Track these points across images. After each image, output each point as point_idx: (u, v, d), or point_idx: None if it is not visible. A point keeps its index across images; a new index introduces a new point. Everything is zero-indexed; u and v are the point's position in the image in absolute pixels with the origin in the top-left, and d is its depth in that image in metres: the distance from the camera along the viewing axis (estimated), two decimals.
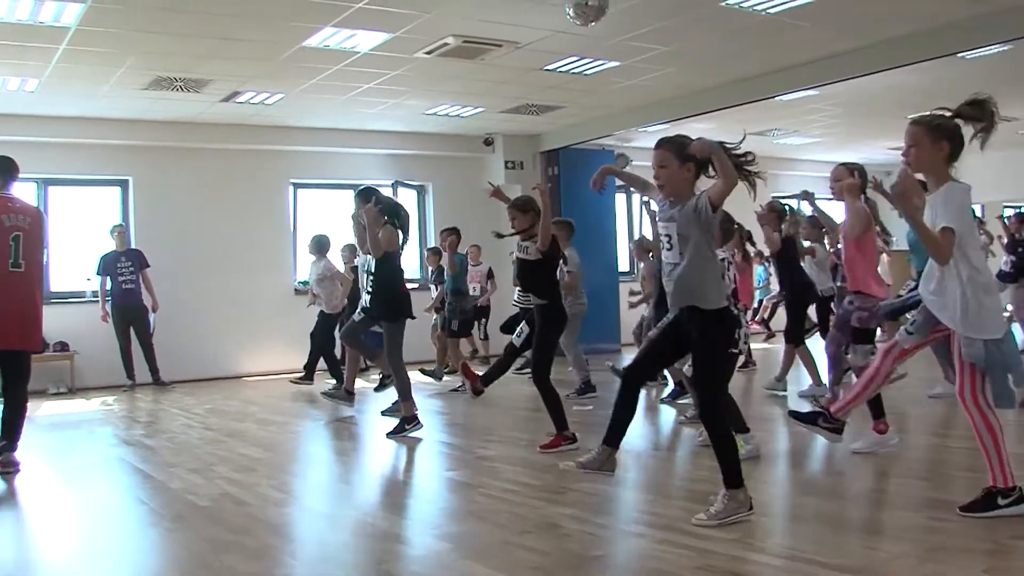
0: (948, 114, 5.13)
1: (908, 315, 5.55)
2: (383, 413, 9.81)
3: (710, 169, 4.99)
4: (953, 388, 5.31)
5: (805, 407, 7.64)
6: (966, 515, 4.93)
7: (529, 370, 8.59)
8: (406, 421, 8.64)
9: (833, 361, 7.88)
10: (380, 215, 8.63)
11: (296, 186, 16.32)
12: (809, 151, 20.44)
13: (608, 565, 4.47)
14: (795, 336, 10.33)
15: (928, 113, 5.14)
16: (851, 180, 7.01)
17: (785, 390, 10.43)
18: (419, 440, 8.48)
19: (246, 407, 11.48)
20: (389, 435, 8.61)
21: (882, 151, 21.02)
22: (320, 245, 12.74)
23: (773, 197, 11.93)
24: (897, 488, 5.88)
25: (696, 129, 16.74)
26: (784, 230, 10.16)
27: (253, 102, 13.61)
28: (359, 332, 9.36)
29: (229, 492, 6.47)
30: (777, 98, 14.23)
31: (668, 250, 5.15)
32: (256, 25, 10.03)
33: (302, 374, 13.28)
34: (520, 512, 5.57)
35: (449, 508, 6.06)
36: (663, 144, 5.16)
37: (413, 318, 8.91)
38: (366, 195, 8.89)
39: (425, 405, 10.76)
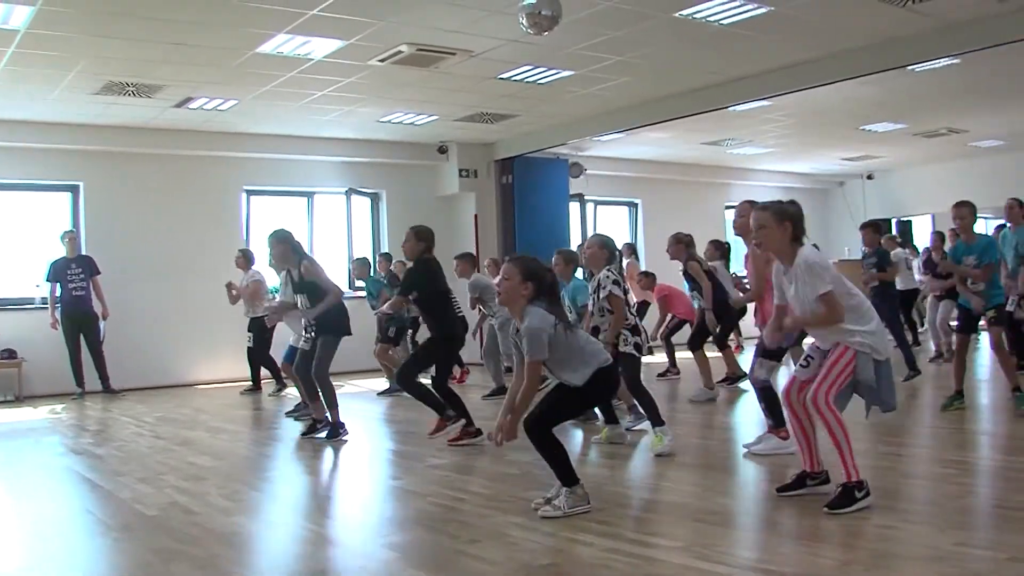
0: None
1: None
2: (287, 414, 10.40)
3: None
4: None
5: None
6: (827, 511, 5.25)
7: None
8: (318, 422, 9.14)
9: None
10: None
11: (249, 193, 16.24)
12: (763, 161, 20.60)
13: (556, 574, 4.46)
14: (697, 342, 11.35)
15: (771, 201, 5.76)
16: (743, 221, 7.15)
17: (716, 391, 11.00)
18: (371, 449, 8.48)
19: (197, 415, 11.39)
20: (304, 434, 9.09)
21: (835, 161, 21.26)
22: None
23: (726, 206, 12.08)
24: None
25: (651, 138, 16.91)
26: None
27: (206, 108, 13.53)
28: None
29: (178, 501, 6.41)
30: (731, 108, 14.33)
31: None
32: (209, 31, 9.98)
33: (278, 387, 13.29)
34: (469, 521, 5.55)
35: (398, 517, 6.03)
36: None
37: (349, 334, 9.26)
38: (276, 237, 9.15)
39: (380, 415, 10.75)
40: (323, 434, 8.98)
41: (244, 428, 10.37)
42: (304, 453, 8.54)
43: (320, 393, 9.01)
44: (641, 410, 8.03)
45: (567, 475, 5.53)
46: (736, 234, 7.41)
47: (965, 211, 8.94)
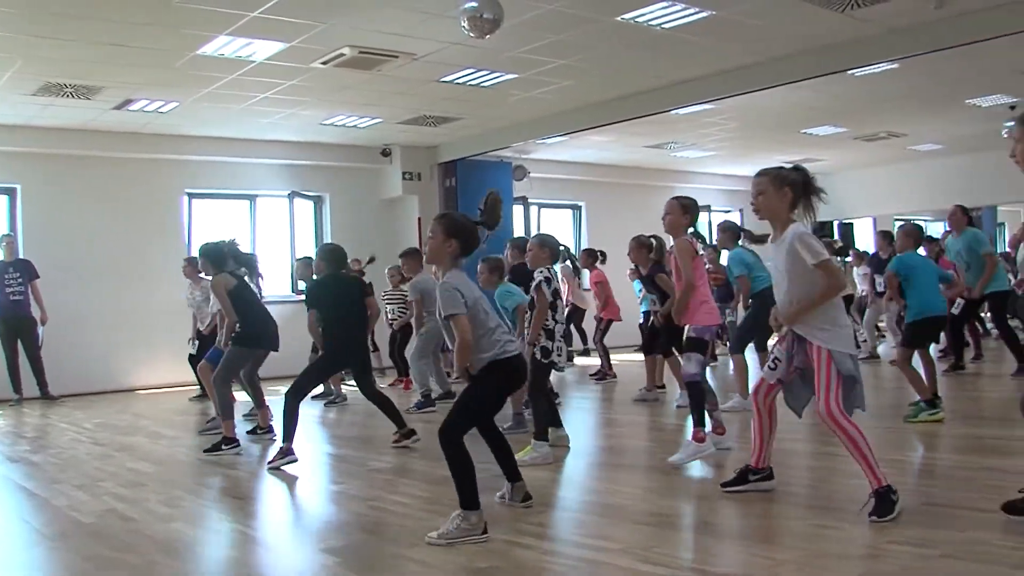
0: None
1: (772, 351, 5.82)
2: (200, 432, 10.05)
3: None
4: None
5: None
6: (875, 520, 5.03)
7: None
8: (224, 441, 8.70)
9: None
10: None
11: (191, 196, 16.09)
12: (706, 164, 20.75)
13: None
14: (652, 348, 11.12)
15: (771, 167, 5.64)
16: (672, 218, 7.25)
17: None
18: (311, 453, 8.44)
19: (137, 421, 11.28)
20: (207, 451, 8.68)
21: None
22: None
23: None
24: (783, 496, 5.97)
25: (594, 141, 16.97)
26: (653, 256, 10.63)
27: (147, 110, 13.39)
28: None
29: (115, 508, 6.34)
30: (673, 112, 14.44)
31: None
32: (149, 32, 9.88)
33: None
34: (410, 525, 5.54)
35: (338, 522, 6.01)
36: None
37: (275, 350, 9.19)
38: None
39: (321, 420, 10.71)
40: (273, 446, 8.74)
41: (185, 433, 10.26)
42: (245, 458, 8.47)
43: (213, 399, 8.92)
44: (527, 417, 8.02)
45: (467, 498, 5.15)
46: (667, 231, 7.42)
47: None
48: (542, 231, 19.49)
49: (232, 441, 8.67)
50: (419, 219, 17.41)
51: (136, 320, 14.92)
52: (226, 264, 8.93)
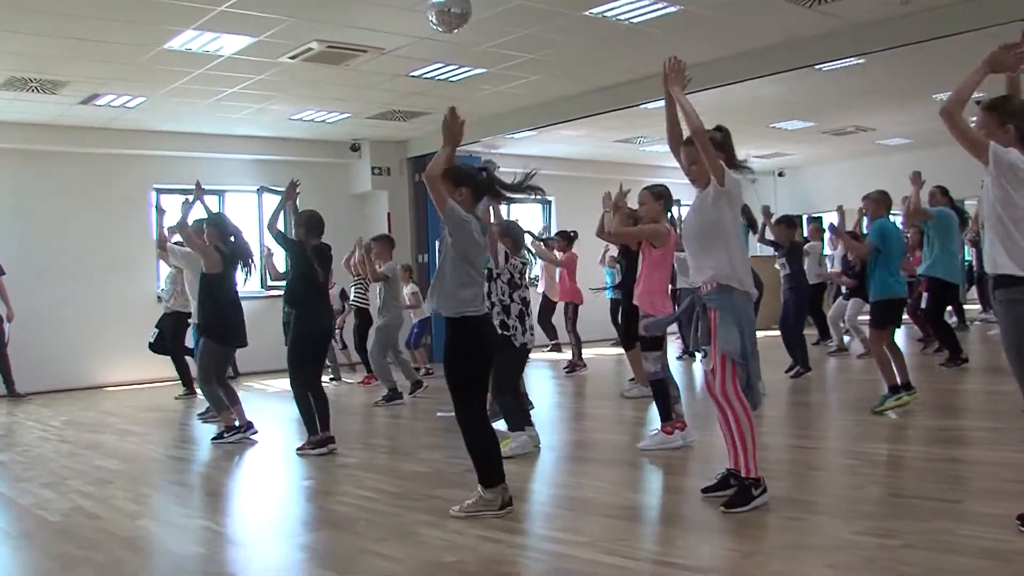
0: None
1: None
2: (199, 416, 10.38)
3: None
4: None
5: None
6: (725, 511, 5.23)
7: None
8: (227, 430, 8.89)
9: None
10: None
11: (159, 191, 15.95)
12: (674, 158, 20.75)
13: (463, 571, 4.47)
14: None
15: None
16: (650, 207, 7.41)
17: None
18: (281, 448, 8.43)
19: (105, 418, 11.21)
20: (215, 440, 8.89)
21: (747, 159, 21.47)
22: None
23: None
24: None
25: (564, 136, 16.98)
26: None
27: (114, 105, 13.29)
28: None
29: (82, 506, 6.30)
30: (642, 106, 14.44)
31: None
32: (116, 26, 9.79)
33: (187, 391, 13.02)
34: (377, 520, 5.55)
35: (306, 516, 6.02)
36: None
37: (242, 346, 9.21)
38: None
39: (291, 414, 10.66)
40: (232, 438, 8.88)
41: (153, 430, 10.21)
42: (214, 454, 8.45)
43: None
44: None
45: (483, 475, 5.48)
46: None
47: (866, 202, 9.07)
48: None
49: (235, 429, 8.86)
50: (388, 214, 17.39)
51: (104, 316, 14.81)
52: (225, 241, 9.02)
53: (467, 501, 5.47)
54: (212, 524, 5.91)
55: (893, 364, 8.52)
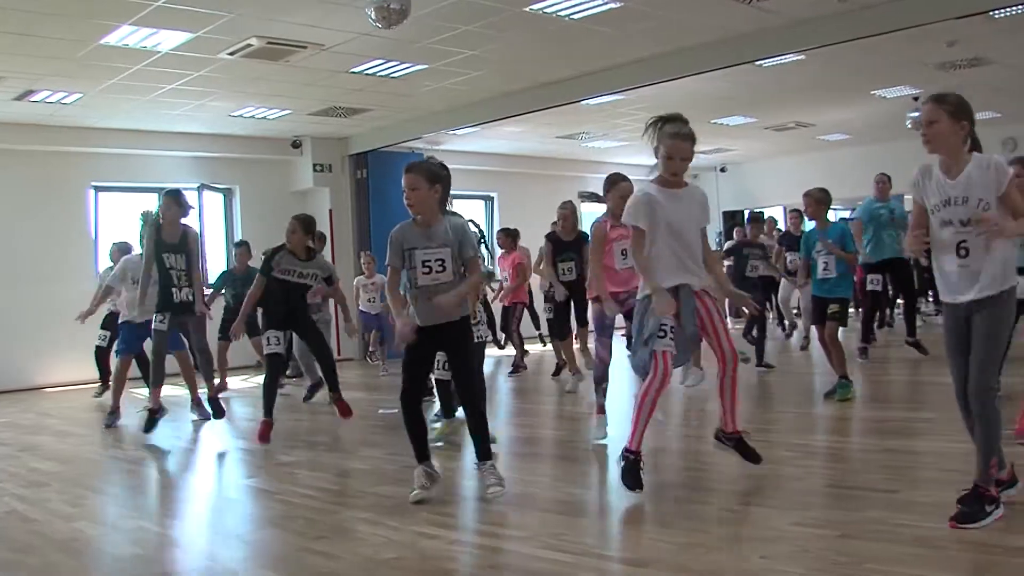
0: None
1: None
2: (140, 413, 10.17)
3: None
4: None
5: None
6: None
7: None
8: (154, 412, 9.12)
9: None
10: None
11: (98, 189, 15.79)
12: (617, 154, 20.84)
13: (400, 567, 4.46)
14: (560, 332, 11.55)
15: None
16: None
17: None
18: (220, 448, 8.39)
19: (43, 420, 11.06)
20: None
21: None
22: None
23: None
24: (689, 480, 6.05)
25: (506, 132, 16.98)
26: None
27: (49, 101, 13.09)
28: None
29: (16, 509, 6.21)
30: (584, 102, 14.48)
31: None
32: (50, 21, 9.64)
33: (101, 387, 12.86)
34: (316, 518, 5.52)
35: (245, 516, 5.97)
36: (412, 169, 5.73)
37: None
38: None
39: (231, 413, 10.59)
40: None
41: (92, 431, 10.08)
42: (154, 454, 8.37)
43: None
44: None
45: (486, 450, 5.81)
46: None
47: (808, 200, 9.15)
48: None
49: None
50: (330, 211, 17.31)
51: (41, 317, 14.54)
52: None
53: (494, 477, 5.71)
54: (150, 525, 5.83)
55: (836, 358, 8.65)
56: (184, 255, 9.02)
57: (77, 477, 7.44)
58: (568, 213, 10.79)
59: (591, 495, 6.10)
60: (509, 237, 13.56)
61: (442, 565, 4.49)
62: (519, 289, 13.45)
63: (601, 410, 7.57)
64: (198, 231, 10.21)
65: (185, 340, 9.53)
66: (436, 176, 5.70)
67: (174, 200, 9.20)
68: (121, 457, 8.43)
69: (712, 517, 5.10)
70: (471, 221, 6.64)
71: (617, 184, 7.52)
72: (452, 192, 6.16)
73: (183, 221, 9.20)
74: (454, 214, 6.18)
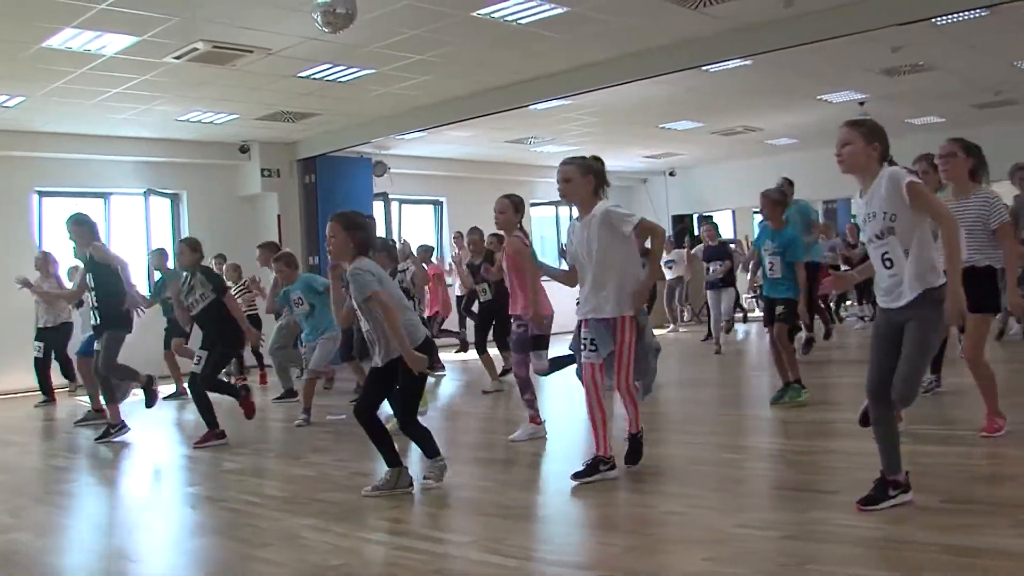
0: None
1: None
2: (76, 423, 10.36)
3: None
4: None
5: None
6: (575, 482, 5.82)
7: None
8: (112, 427, 9.15)
9: (525, 383, 8.01)
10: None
11: (41, 194, 15.58)
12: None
13: (347, 574, 4.44)
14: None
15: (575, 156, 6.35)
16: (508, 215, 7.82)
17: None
18: (166, 455, 8.35)
19: None
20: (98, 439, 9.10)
21: (637, 159, 21.75)
22: None
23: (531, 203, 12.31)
24: (633, 485, 6.06)
25: (454, 137, 16.98)
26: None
27: None
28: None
29: None
30: (532, 107, 14.52)
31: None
32: None
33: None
34: (262, 525, 5.49)
35: (189, 523, 5.91)
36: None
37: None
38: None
39: (174, 420, 10.51)
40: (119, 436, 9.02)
41: (34, 440, 9.97)
42: (97, 463, 8.28)
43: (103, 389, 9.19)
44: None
45: (390, 457, 5.97)
46: (500, 228, 8.02)
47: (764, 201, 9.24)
48: (403, 228, 19.60)
49: (120, 426, 9.10)
50: (279, 216, 17.22)
51: None
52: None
53: (378, 481, 5.97)
54: (92, 534, 5.78)
55: (787, 360, 8.72)
56: (92, 274, 9.05)
57: (18, 487, 7.33)
58: (477, 239, 11.24)
59: (536, 499, 6.11)
60: (426, 252, 14.02)
61: (387, 571, 4.49)
62: (445, 301, 13.67)
63: (533, 420, 7.79)
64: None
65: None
66: (353, 224, 5.99)
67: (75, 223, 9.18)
68: (63, 466, 8.33)
69: (655, 520, 5.14)
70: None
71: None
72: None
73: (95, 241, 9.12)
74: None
